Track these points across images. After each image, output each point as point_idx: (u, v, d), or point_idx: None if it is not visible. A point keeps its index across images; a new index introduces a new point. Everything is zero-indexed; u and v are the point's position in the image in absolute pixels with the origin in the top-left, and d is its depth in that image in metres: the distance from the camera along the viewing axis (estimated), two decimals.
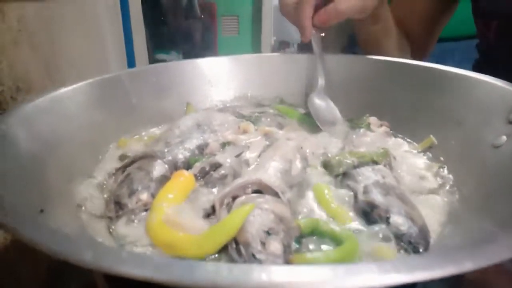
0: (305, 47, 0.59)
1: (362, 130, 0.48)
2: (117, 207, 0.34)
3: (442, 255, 0.18)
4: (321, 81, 0.55)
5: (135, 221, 0.33)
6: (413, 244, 0.28)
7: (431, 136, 0.44)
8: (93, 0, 1.23)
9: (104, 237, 0.31)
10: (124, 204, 0.34)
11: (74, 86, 0.45)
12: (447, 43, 1.06)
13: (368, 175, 0.36)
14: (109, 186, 0.38)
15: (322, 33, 0.57)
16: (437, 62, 0.49)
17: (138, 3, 1.55)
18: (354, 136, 0.47)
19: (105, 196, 0.37)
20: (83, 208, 0.35)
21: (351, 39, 2.21)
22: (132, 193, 0.35)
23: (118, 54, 1.37)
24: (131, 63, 1.42)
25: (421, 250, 0.28)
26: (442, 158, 0.42)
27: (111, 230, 0.32)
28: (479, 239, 0.27)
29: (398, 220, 0.30)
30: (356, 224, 0.32)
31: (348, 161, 0.39)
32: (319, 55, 0.56)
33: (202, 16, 3.16)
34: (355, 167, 0.38)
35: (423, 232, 0.29)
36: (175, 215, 0.31)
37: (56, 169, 0.36)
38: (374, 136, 0.47)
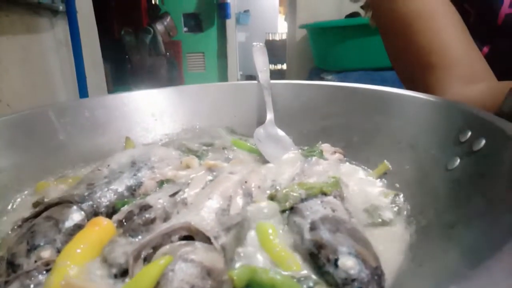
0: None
1: (314, 159, 0.44)
2: (9, 269, 0.27)
3: None
4: (269, 116, 0.53)
5: (31, 286, 0.26)
6: None
7: (385, 161, 0.41)
8: (39, 38, 1.18)
9: None
10: (18, 264, 0.27)
11: None
12: None
13: (316, 209, 0.32)
14: (8, 243, 0.31)
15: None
16: None
17: (95, 40, 1.51)
18: (306, 165, 0.43)
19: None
20: None
21: (312, 73, 2.27)
22: (31, 249, 0.28)
23: (70, 93, 1.31)
24: None
25: None
26: (397, 185, 0.38)
27: None
28: (442, 280, 0.23)
29: (347, 262, 0.25)
30: (304, 270, 0.28)
31: (295, 194, 0.34)
32: (267, 89, 0.54)
33: (167, 53, 3.18)
34: (302, 200, 0.34)
35: (377, 276, 0.24)
36: (79, 276, 0.25)
37: None
38: (327, 164, 0.44)
